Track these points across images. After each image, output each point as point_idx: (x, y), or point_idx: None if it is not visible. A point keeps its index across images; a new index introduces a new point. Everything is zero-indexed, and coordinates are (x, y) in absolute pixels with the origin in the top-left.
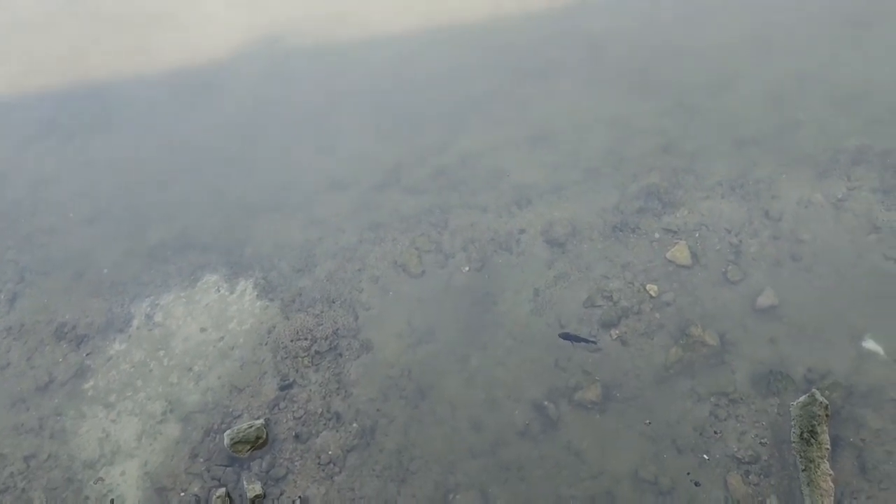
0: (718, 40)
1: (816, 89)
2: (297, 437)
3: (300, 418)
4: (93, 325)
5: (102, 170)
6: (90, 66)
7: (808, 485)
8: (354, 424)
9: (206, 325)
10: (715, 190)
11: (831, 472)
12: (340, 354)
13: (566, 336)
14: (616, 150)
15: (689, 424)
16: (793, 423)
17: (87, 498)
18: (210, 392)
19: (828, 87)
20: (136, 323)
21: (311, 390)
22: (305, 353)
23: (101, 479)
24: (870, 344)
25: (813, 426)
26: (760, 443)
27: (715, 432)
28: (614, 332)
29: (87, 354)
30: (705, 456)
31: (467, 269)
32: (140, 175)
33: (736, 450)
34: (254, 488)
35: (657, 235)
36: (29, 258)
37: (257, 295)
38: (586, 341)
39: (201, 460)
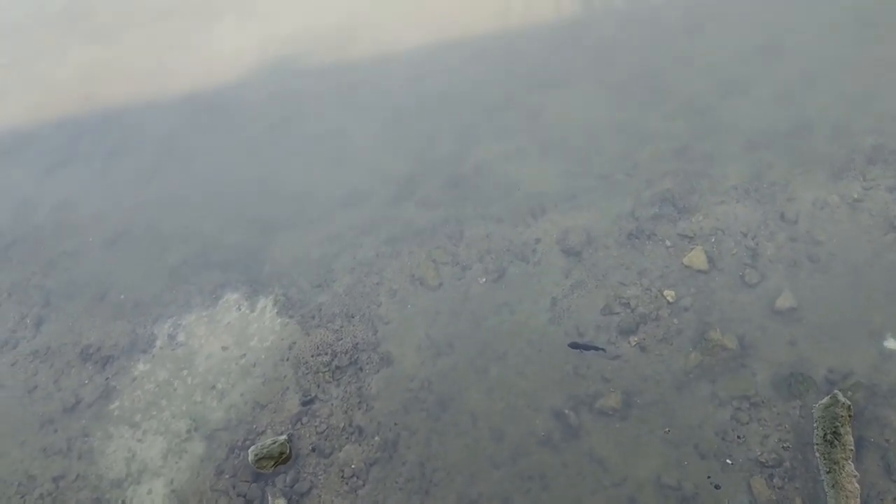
0: (727, 44)
1: (828, 89)
2: (314, 450)
3: (323, 433)
4: (117, 346)
5: (121, 193)
6: (106, 93)
7: (832, 487)
8: (377, 438)
9: (228, 343)
10: (730, 194)
11: (856, 473)
12: (361, 368)
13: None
14: (629, 156)
15: (711, 429)
16: (815, 424)
17: None
18: (233, 409)
19: (839, 86)
20: (159, 343)
21: (332, 405)
22: (326, 368)
23: (123, 502)
24: (891, 343)
25: (836, 427)
26: (783, 446)
27: (738, 437)
28: (633, 339)
29: (113, 375)
30: (729, 461)
31: (484, 280)
32: (158, 197)
33: (759, 453)
34: (279, 503)
35: (673, 241)
36: (53, 282)
37: (277, 312)
38: (596, 349)
39: (226, 477)
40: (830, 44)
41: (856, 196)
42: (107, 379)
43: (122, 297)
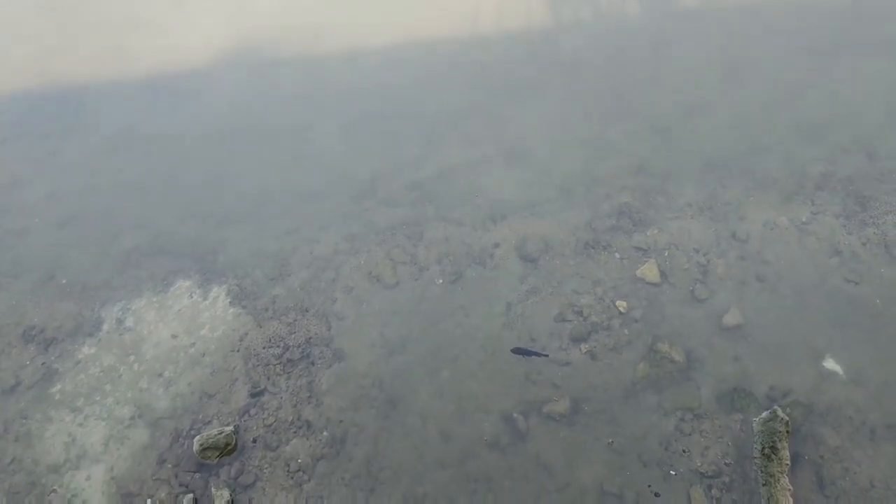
0: (690, 67)
1: (784, 117)
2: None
3: (270, 426)
4: (62, 328)
5: (76, 173)
6: (66, 69)
7: (768, 499)
8: (325, 433)
9: (178, 330)
10: (685, 211)
11: (790, 486)
12: (312, 363)
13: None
14: (589, 170)
15: (655, 439)
16: (755, 438)
17: (49, 503)
18: (180, 398)
19: (795, 114)
20: (106, 327)
21: (282, 398)
22: (277, 361)
23: (55, 490)
24: (830, 364)
25: (774, 442)
26: (724, 460)
27: (683, 451)
28: (584, 347)
29: (56, 358)
30: (672, 472)
31: (441, 281)
32: (114, 179)
33: (699, 464)
34: (222, 495)
35: (627, 253)
36: None
37: (230, 302)
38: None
39: (169, 466)
40: (788, 73)
41: (804, 220)
42: (51, 360)
43: (70, 278)
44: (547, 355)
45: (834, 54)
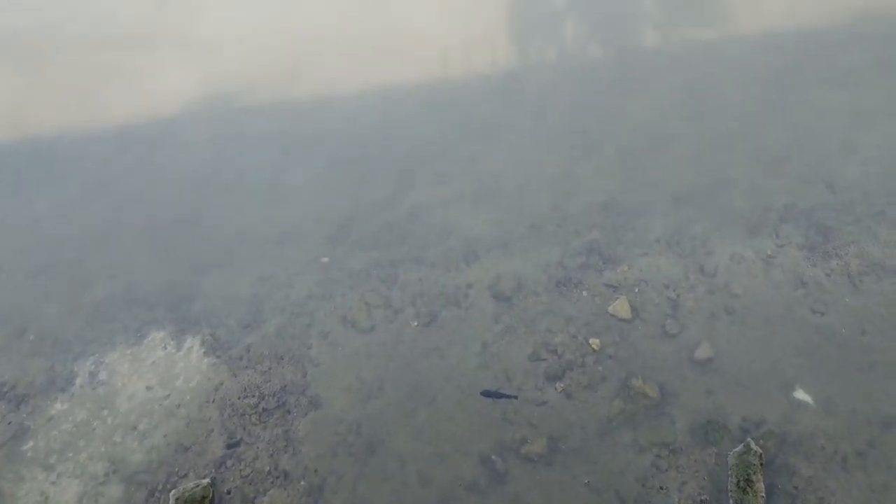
0: (655, 103)
1: (746, 150)
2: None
3: (247, 477)
4: (33, 384)
5: (46, 225)
6: (35, 121)
7: None
8: (303, 482)
9: (152, 382)
10: (653, 246)
11: None
12: (289, 411)
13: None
14: (559, 207)
15: (632, 476)
16: (730, 472)
17: None
18: (155, 451)
19: (756, 148)
20: (79, 381)
21: (258, 448)
22: (253, 411)
23: None
24: (800, 394)
25: (749, 475)
26: (701, 495)
27: (661, 488)
28: (559, 385)
29: (28, 414)
30: None
31: (416, 323)
32: (85, 231)
33: (677, 500)
34: None
35: (598, 290)
36: None
37: (204, 352)
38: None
39: None
40: (748, 108)
41: (769, 252)
42: (22, 417)
43: (42, 332)
44: (516, 397)
45: (792, 87)
